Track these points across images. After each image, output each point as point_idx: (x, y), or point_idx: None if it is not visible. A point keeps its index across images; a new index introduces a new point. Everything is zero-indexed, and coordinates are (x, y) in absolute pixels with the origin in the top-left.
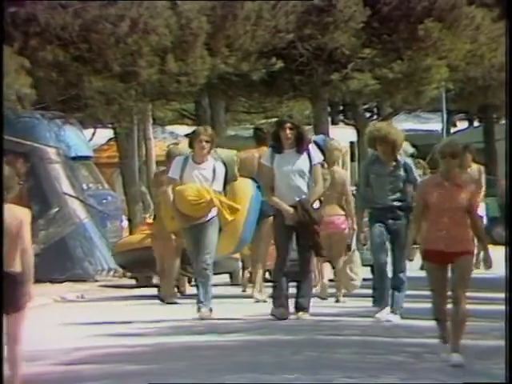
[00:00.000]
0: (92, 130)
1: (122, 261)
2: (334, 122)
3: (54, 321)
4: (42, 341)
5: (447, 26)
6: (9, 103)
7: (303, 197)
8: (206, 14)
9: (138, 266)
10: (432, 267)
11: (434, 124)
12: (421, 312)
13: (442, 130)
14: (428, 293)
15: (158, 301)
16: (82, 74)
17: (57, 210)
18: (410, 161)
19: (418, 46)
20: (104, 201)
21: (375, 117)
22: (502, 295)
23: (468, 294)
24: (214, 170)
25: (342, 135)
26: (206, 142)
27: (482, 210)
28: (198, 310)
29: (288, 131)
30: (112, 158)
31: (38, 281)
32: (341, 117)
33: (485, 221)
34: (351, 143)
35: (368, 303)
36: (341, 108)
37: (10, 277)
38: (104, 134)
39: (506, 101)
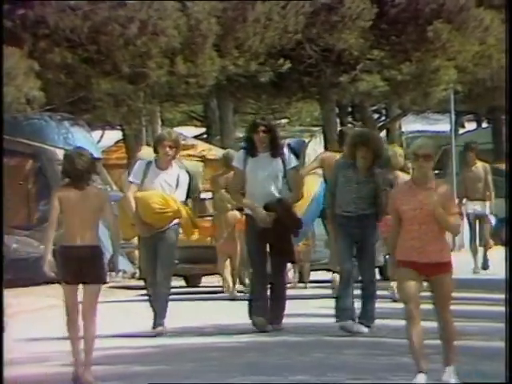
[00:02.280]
0: (100, 132)
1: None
2: (342, 124)
3: (63, 322)
4: (51, 342)
5: (456, 27)
6: (18, 106)
7: (282, 196)
8: (216, 16)
9: (193, 262)
10: (404, 278)
11: (443, 125)
12: (427, 313)
13: (451, 130)
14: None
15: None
16: (90, 76)
17: None
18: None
19: (427, 48)
20: (112, 202)
21: (383, 118)
22: None
23: (483, 295)
24: (178, 178)
25: None
26: (170, 147)
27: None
28: (155, 326)
29: (262, 134)
30: (120, 160)
31: (46, 282)
32: (349, 118)
33: (493, 222)
34: None
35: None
36: (349, 109)
37: (90, 249)
38: (112, 136)
39: (506, 104)
